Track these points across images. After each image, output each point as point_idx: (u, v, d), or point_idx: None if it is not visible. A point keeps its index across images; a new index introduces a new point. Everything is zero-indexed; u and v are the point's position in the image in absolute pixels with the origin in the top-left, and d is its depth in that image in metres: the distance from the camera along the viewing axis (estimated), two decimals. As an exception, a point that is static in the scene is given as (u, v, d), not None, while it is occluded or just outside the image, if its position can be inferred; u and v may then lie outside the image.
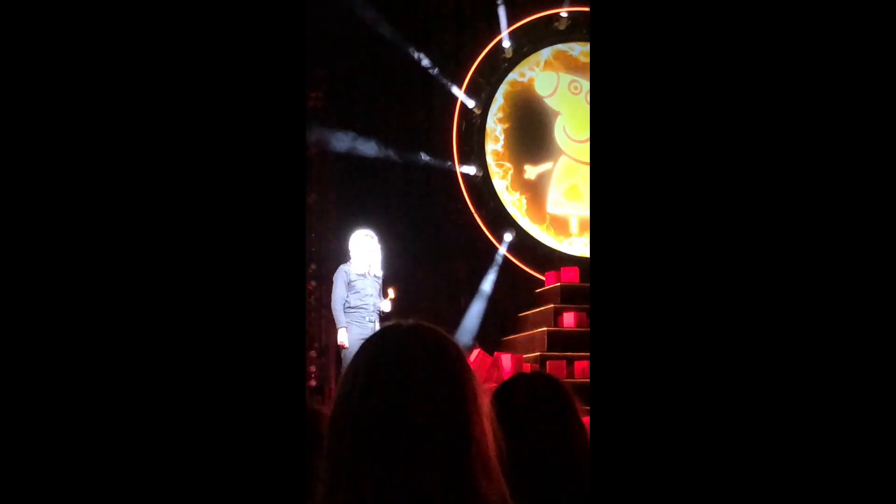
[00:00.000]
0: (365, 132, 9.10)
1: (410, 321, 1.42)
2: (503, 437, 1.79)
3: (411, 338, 1.39)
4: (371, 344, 1.42)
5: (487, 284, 9.57)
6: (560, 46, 10.39)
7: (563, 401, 1.99)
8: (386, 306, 6.94)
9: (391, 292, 6.98)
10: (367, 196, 8.70)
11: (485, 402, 1.42)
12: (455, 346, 1.40)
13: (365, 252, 7.00)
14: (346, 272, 6.95)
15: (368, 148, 9.15)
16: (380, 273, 7.09)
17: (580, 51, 10.42)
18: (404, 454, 1.28)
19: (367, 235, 7.07)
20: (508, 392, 2.03)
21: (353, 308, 6.83)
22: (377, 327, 6.79)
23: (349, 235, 7.22)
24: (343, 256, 7.19)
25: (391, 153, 9.30)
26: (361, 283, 6.91)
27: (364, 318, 6.85)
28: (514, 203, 9.98)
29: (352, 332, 6.75)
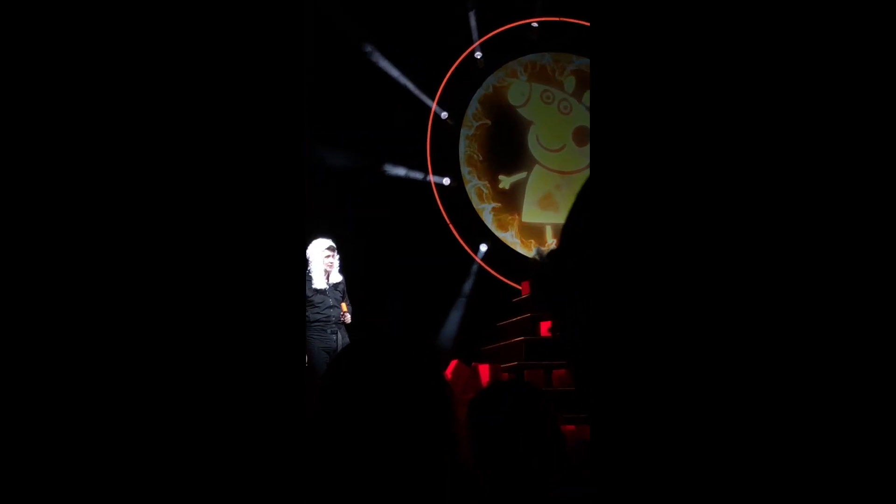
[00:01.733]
0: (336, 143, 9.08)
1: (383, 332, 1.41)
2: (478, 444, 1.78)
3: (384, 350, 1.38)
4: (344, 357, 1.41)
5: (464, 295, 9.57)
6: (532, 56, 10.43)
7: (539, 408, 1.97)
8: (347, 317, 6.80)
9: (345, 306, 6.83)
10: (340, 207, 8.67)
11: (460, 412, 1.41)
12: (428, 356, 1.39)
13: (324, 266, 6.85)
14: None
15: (340, 158, 9.12)
16: (339, 280, 6.94)
17: (551, 60, 10.46)
18: (380, 464, 1.27)
19: (327, 248, 6.90)
20: (485, 400, 2.02)
21: (313, 322, 6.73)
22: (341, 338, 6.70)
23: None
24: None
25: (364, 163, 9.28)
26: (319, 297, 6.78)
27: (325, 330, 6.71)
28: (488, 213, 9.99)
29: (314, 345, 6.66)
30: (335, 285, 6.88)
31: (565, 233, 1.07)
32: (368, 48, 9.34)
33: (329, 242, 6.94)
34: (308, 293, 6.77)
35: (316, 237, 7.00)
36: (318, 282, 6.81)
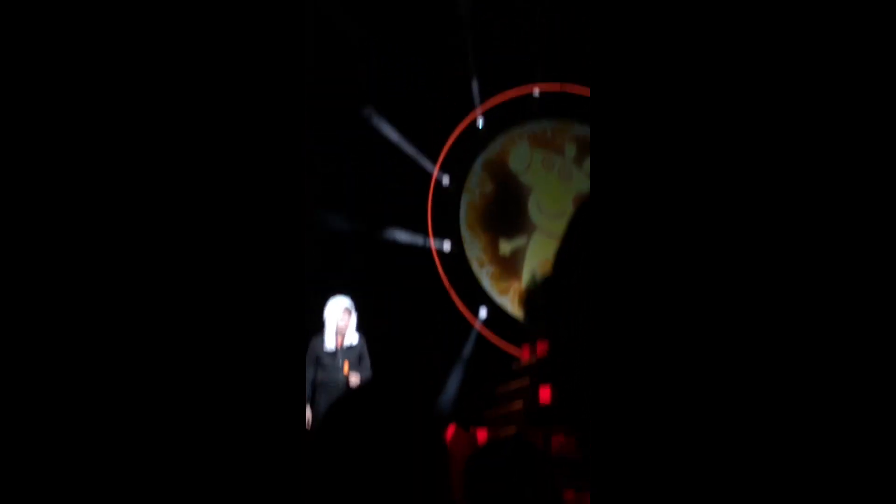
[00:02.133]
0: (338, 206, 9.12)
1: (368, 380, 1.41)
2: (475, 495, 1.75)
3: (371, 399, 1.37)
4: (338, 408, 1.40)
5: (463, 360, 9.52)
6: (532, 123, 10.52)
7: (538, 466, 1.95)
8: (354, 380, 6.62)
9: (346, 368, 6.71)
10: (340, 271, 8.66)
11: (457, 468, 1.40)
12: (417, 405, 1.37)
13: (337, 327, 6.76)
14: (313, 348, 6.68)
15: (341, 222, 9.15)
16: (355, 342, 6.84)
17: (552, 127, 10.55)
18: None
19: (343, 309, 6.78)
20: (483, 458, 1.99)
21: (321, 384, 6.65)
22: None
23: (319, 308, 6.94)
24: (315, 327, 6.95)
25: (365, 228, 9.32)
26: (328, 358, 6.70)
27: (332, 393, 6.51)
28: (488, 277, 9.98)
29: (321, 407, 6.55)
30: (350, 347, 6.75)
31: (559, 255, 1.08)
32: (368, 112, 9.43)
33: (346, 303, 6.81)
34: (320, 353, 6.67)
35: (332, 295, 6.91)
36: (330, 342, 6.72)
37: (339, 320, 6.75)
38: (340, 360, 6.71)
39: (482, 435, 7.59)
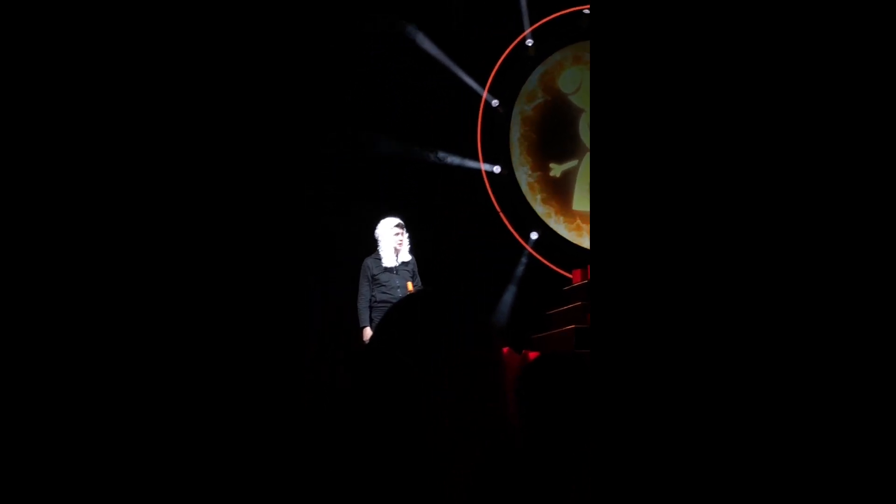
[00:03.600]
0: (389, 130, 9.09)
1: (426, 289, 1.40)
2: (527, 412, 1.75)
3: (430, 305, 1.37)
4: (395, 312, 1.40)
5: (514, 283, 9.53)
6: (583, 44, 10.32)
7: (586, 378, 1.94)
8: None
9: (411, 285, 6.72)
10: (391, 195, 8.67)
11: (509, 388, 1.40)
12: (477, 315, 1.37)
13: (393, 244, 6.79)
14: (367, 267, 6.73)
15: (392, 146, 9.13)
16: (409, 259, 6.86)
17: (604, 47, 10.34)
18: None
19: (395, 226, 6.84)
20: (535, 372, 1.99)
21: (379, 303, 6.61)
22: None
23: (370, 231, 7.00)
24: (368, 249, 6.98)
25: (416, 151, 9.28)
26: (386, 276, 6.71)
27: None
28: (539, 201, 9.93)
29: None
30: (405, 264, 6.79)
31: None
32: (413, 32, 9.30)
33: (397, 220, 6.87)
34: (376, 272, 6.72)
35: (383, 217, 6.95)
36: (388, 260, 6.73)
37: (395, 237, 6.77)
38: (397, 277, 6.72)
39: (534, 357, 7.63)
